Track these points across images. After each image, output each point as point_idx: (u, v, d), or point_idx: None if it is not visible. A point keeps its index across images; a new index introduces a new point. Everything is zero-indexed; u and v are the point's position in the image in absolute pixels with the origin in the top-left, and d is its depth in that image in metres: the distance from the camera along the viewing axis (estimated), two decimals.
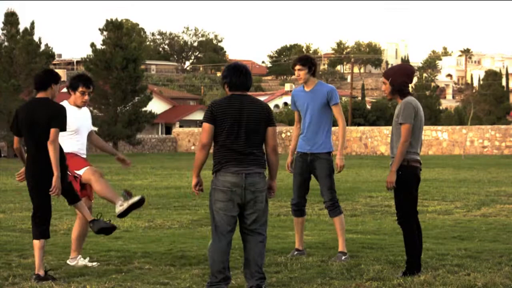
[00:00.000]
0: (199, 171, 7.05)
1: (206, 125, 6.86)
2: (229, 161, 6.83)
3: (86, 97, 8.62)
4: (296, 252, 9.10)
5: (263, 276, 6.96)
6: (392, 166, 7.71)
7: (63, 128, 7.72)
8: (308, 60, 8.90)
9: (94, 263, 8.57)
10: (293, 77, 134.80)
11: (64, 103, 8.53)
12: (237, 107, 6.85)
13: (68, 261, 8.63)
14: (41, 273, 7.61)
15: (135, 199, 8.26)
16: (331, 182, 8.92)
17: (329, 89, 8.88)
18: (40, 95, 7.86)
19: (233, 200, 6.82)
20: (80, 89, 8.57)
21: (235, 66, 7.03)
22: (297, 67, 8.87)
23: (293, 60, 9.12)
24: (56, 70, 8.96)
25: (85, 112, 8.81)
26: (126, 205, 8.26)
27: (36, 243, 7.69)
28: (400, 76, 7.86)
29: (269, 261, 8.65)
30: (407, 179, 7.75)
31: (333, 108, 8.91)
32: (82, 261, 8.57)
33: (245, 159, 6.82)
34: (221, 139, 6.85)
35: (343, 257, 8.75)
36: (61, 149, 7.78)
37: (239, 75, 6.95)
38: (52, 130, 7.64)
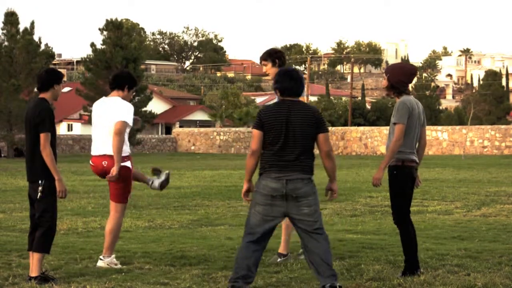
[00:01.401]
0: (250, 176, 7.02)
1: (255, 131, 6.91)
2: (272, 167, 6.85)
3: (131, 97, 8.81)
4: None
5: (334, 273, 6.89)
6: (381, 163, 7.71)
7: (52, 131, 7.64)
8: (270, 54, 8.67)
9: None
10: None
11: (119, 99, 8.51)
12: (284, 113, 6.85)
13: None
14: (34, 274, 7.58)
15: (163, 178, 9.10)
16: None
17: None
18: (41, 95, 7.81)
19: (273, 205, 6.83)
20: (134, 88, 8.70)
21: (286, 72, 7.02)
22: (262, 62, 8.72)
23: None
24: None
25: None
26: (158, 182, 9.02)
27: (36, 255, 7.64)
28: (398, 74, 7.88)
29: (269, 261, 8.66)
30: (402, 179, 7.74)
31: None
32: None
33: (289, 165, 6.82)
34: (269, 145, 6.87)
35: (279, 260, 8.73)
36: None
37: (289, 80, 6.94)
38: (41, 136, 7.56)
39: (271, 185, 6.82)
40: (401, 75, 7.88)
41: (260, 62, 8.86)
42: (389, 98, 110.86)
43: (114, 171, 8.18)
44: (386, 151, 7.86)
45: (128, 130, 8.43)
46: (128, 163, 8.47)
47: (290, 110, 6.86)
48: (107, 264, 8.41)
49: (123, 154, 8.35)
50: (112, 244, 8.52)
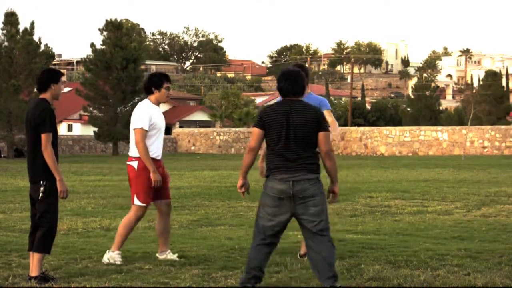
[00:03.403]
0: (245, 173, 7.05)
1: (255, 129, 6.93)
2: (277, 167, 6.84)
3: (171, 92, 9.02)
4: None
5: (335, 275, 6.87)
6: None
7: (53, 131, 7.64)
8: (305, 68, 8.78)
9: (176, 257, 8.81)
10: None
11: (146, 102, 8.79)
12: (285, 113, 6.84)
13: (157, 255, 8.88)
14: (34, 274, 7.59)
15: None
16: None
17: (321, 99, 9.08)
18: (41, 96, 7.81)
19: (281, 206, 6.82)
20: (165, 85, 8.81)
21: (284, 72, 7.02)
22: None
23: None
24: None
25: (161, 111, 9.05)
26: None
27: (36, 255, 7.64)
28: None
29: (269, 261, 8.65)
30: None
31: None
32: (170, 256, 8.81)
33: (293, 165, 6.80)
34: (271, 145, 6.88)
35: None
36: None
37: (285, 81, 6.94)
38: (43, 136, 7.56)
39: (277, 187, 6.81)
40: None
41: None
42: (389, 99, 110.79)
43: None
44: None
45: (150, 131, 8.68)
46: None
47: (291, 109, 6.85)
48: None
49: (152, 155, 8.66)
50: (116, 238, 8.77)
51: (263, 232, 6.91)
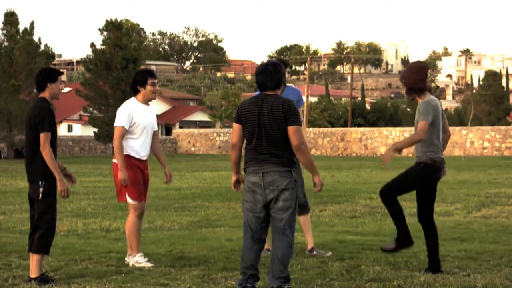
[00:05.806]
0: (236, 169, 7.08)
1: (234, 124, 6.99)
2: (250, 161, 6.89)
3: (157, 87, 8.80)
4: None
5: (286, 276, 6.88)
6: None
7: (52, 130, 7.63)
8: (286, 62, 8.97)
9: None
10: (293, 77, 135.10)
11: (131, 100, 8.70)
12: (256, 107, 6.85)
13: (126, 259, 8.76)
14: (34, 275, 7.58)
15: None
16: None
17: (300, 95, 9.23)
18: (41, 95, 7.82)
19: (257, 200, 6.84)
20: (150, 81, 8.65)
21: (261, 66, 7.02)
22: (287, 69, 9.03)
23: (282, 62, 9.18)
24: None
25: (152, 110, 8.86)
26: None
27: (35, 256, 7.63)
28: (411, 74, 7.98)
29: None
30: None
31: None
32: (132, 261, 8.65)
33: (264, 158, 6.82)
34: (247, 140, 6.93)
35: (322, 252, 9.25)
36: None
37: (259, 74, 6.94)
38: (41, 135, 7.55)
39: (251, 180, 6.85)
40: (415, 74, 7.99)
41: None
42: (389, 99, 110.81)
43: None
44: None
45: (133, 130, 8.57)
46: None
47: (263, 104, 6.86)
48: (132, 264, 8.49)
49: (128, 153, 8.55)
50: (130, 243, 8.60)
51: (249, 228, 6.94)
